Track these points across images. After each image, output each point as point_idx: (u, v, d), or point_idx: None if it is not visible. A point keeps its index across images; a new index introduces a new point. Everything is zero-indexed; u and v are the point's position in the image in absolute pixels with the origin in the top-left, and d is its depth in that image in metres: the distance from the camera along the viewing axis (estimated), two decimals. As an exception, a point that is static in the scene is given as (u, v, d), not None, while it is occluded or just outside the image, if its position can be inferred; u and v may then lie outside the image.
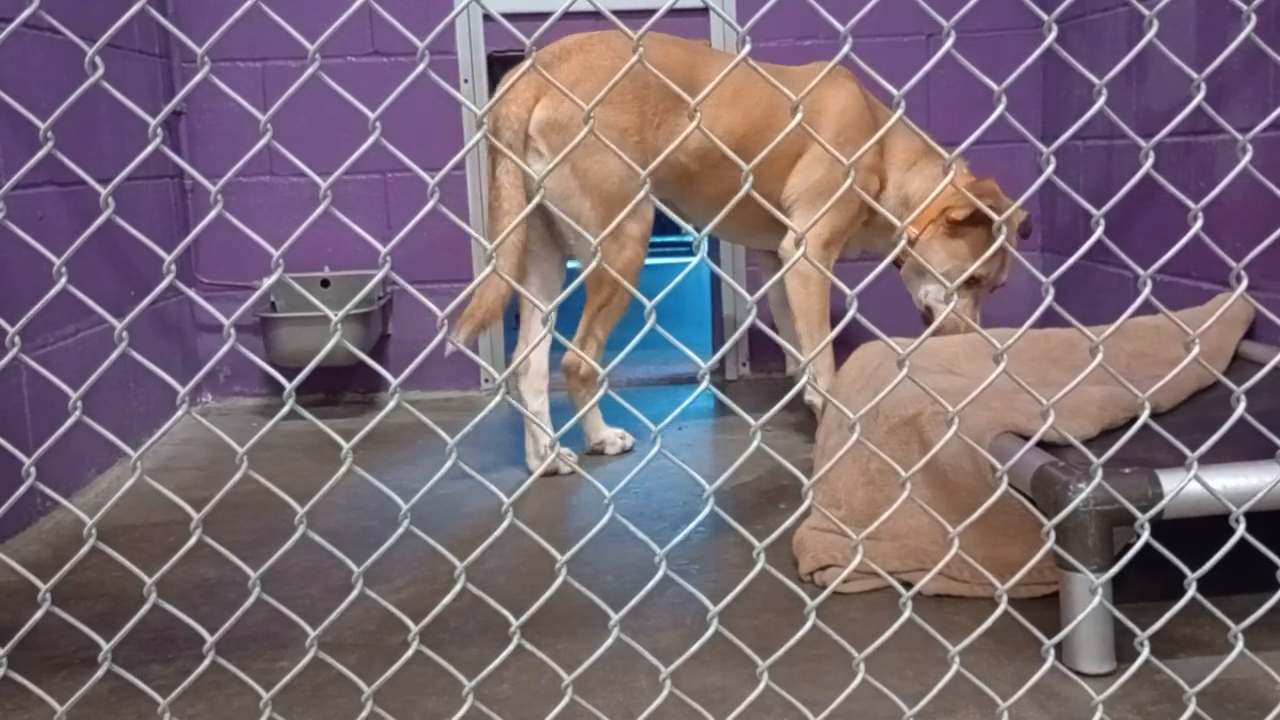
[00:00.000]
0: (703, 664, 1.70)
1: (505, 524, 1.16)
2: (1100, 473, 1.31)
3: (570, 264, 3.19)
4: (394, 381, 1.09)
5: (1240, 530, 1.29)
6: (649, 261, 3.04)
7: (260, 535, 2.47)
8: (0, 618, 2.08)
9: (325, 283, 3.80)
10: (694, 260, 1.22)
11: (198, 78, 1.10)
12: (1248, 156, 1.19)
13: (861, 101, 3.10)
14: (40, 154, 1.06)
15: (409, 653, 1.18)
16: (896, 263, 3.15)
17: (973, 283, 3.05)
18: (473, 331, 2.87)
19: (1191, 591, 1.30)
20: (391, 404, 1.13)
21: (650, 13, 1.13)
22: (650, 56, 3.07)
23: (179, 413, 1.10)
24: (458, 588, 1.16)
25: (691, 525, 1.26)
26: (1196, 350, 1.25)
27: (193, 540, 1.13)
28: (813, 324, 3.03)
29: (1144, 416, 1.26)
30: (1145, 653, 1.29)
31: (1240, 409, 1.26)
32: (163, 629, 1.90)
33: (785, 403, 1.32)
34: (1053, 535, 1.27)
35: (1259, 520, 1.43)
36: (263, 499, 1.43)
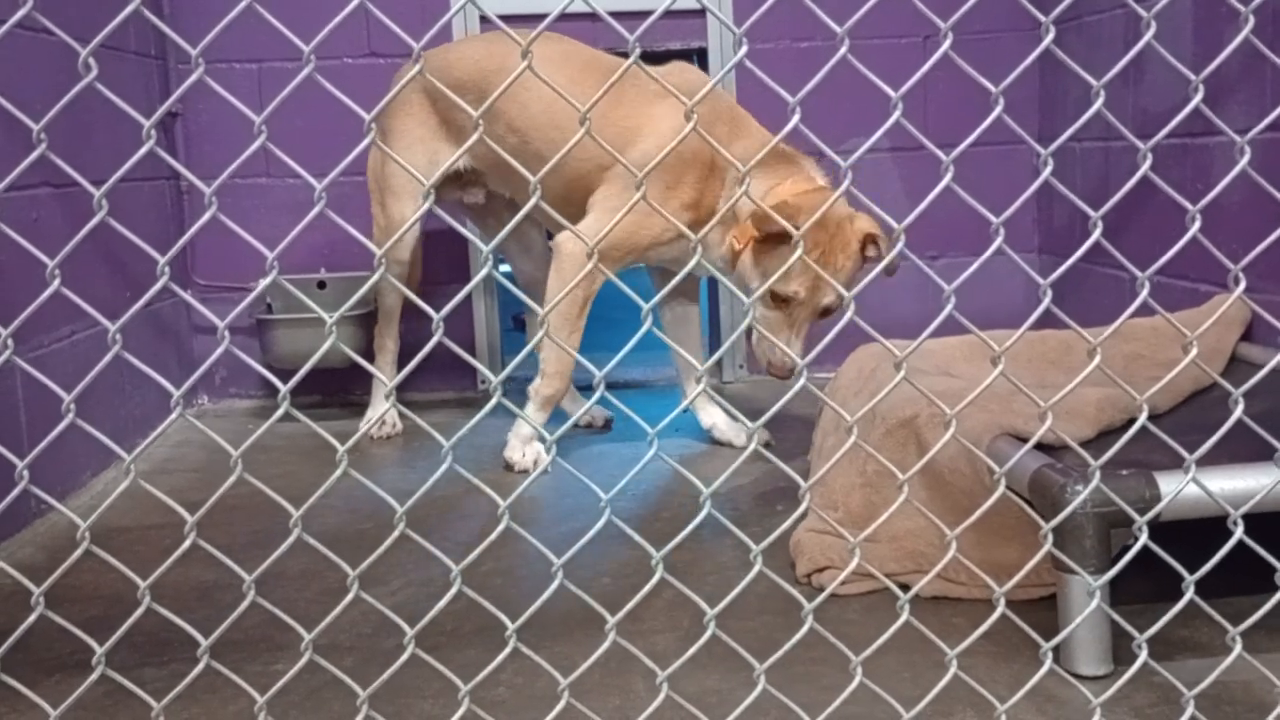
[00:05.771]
0: (700, 667, 1.69)
1: (501, 527, 1.16)
2: (1098, 475, 1.31)
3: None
4: (389, 384, 1.08)
5: (1238, 533, 1.29)
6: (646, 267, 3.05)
7: (255, 538, 2.46)
8: (-5, 621, 2.07)
9: (322, 284, 3.79)
10: (690, 264, 1.21)
11: (192, 79, 1.10)
12: (1245, 158, 1.19)
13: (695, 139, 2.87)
14: (33, 155, 1.05)
15: (405, 656, 1.18)
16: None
17: (783, 302, 2.74)
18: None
19: (1189, 594, 1.29)
20: (387, 405, 1.13)
21: (646, 14, 1.13)
22: (449, 58, 3.27)
23: (173, 415, 1.10)
24: (453, 591, 1.16)
25: (689, 528, 1.26)
26: (1194, 352, 1.24)
27: (187, 543, 1.12)
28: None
29: (1142, 418, 1.26)
30: (1143, 655, 1.29)
31: (1238, 411, 1.26)
32: (157, 632, 1.89)
33: (782, 405, 1.31)
34: (1050, 537, 1.27)
35: (1257, 522, 1.43)
36: (258, 501, 1.43)
